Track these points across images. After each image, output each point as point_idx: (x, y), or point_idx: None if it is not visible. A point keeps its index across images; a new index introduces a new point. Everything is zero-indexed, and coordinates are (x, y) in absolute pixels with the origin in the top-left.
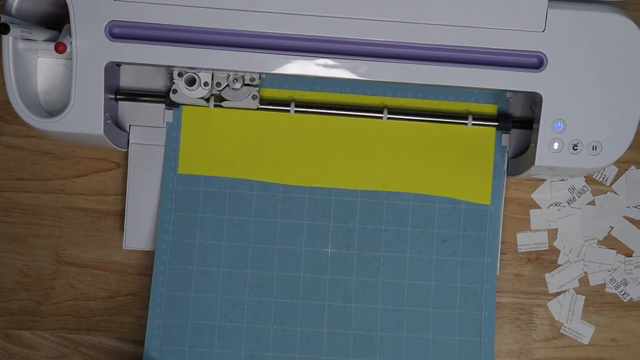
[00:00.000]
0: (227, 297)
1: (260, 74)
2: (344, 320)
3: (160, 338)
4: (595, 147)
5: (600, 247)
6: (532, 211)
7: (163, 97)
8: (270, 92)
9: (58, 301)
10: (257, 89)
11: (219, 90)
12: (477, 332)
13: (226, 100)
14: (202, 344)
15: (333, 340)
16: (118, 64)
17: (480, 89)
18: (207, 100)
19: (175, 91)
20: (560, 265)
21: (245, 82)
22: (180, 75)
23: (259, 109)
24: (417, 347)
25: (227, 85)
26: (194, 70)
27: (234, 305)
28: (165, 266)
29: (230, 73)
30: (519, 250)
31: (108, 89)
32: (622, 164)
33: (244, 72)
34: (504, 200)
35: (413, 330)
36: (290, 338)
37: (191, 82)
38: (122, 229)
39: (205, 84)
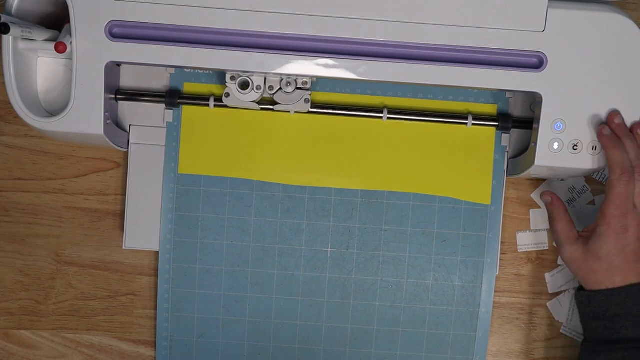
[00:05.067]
0: (229, 294)
1: (312, 77)
2: (342, 315)
3: (169, 330)
4: (595, 147)
5: None
6: (532, 211)
7: (163, 97)
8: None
9: (58, 301)
10: (309, 92)
11: (271, 94)
12: (473, 327)
13: (279, 104)
14: (209, 335)
15: (331, 333)
16: (118, 64)
17: (480, 89)
18: (259, 103)
19: (227, 95)
20: (560, 265)
21: (298, 86)
22: (232, 79)
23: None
24: (412, 340)
25: (280, 88)
26: (247, 74)
27: (236, 301)
28: (170, 265)
29: (283, 77)
30: (519, 250)
31: (108, 89)
32: None
33: (289, 75)
34: (504, 200)
35: (409, 325)
36: (290, 331)
37: (244, 85)
38: (122, 229)
39: (258, 87)
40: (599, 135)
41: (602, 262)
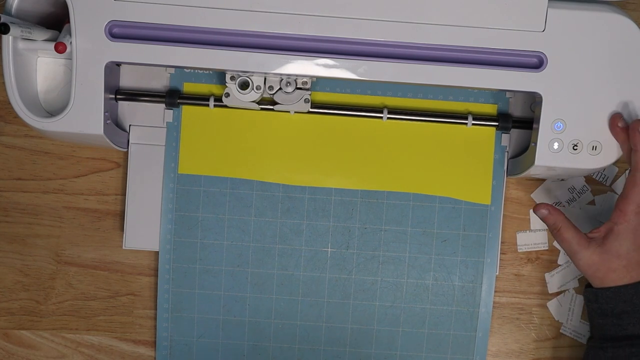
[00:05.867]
0: (229, 294)
1: (311, 77)
2: (342, 315)
3: (169, 330)
4: (595, 147)
5: None
6: (532, 211)
7: (163, 97)
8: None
9: (58, 301)
10: (309, 92)
11: (271, 94)
12: (473, 327)
13: (279, 104)
14: (208, 335)
15: (331, 333)
16: (118, 64)
17: (480, 89)
18: (259, 103)
19: (227, 95)
20: (560, 265)
21: (298, 86)
22: (232, 79)
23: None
24: (412, 340)
25: (280, 88)
26: (247, 74)
27: (236, 301)
28: (170, 265)
29: (283, 77)
30: (518, 250)
31: (108, 89)
32: (622, 164)
33: (289, 75)
34: (504, 200)
35: (409, 325)
36: (290, 330)
37: (244, 85)
38: (122, 229)
39: (258, 87)
40: (633, 131)
41: (622, 259)
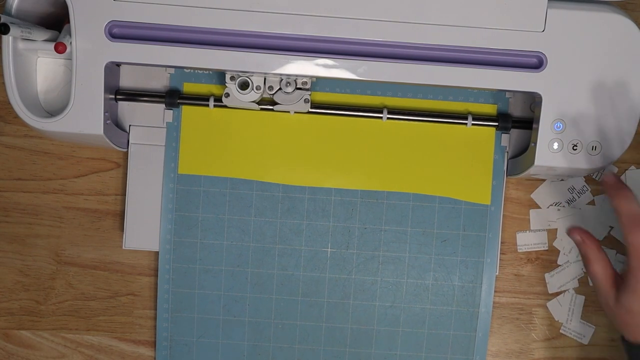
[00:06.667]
0: (229, 294)
1: (311, 77)
2: (342, 315)
3: (169, 330)
4: (595, 147)
5: None
6: (532, 211)
7: (163, 97)
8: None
9: (58, 301)
10: (308, 92)
11: (271, 94)
12: (473, 327)
13: (278, 104)
14: (208, 335)
15: (331, 333)
16: (118, 64)
17: (480, 89)
18: (258, 103)
19: (227, 95)
20: (560, 265)
21: (298, 86)
22: (232, 79)
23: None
24: (412, 340)
25: (280, 89)
26: (247, 74)
27: (236, 301)
28: (170, 265)
29: (283, 77)
30: (518, 250)
31: (108, 89)
32: (622, 164)
33: (289, 75)
34: (504, 200)
35: (409, 325)
36: (290, 331)
37: (244, 86)
38: (122, 229)
39: (258, 87)
40: (603, 184)
41: (635, 317)
